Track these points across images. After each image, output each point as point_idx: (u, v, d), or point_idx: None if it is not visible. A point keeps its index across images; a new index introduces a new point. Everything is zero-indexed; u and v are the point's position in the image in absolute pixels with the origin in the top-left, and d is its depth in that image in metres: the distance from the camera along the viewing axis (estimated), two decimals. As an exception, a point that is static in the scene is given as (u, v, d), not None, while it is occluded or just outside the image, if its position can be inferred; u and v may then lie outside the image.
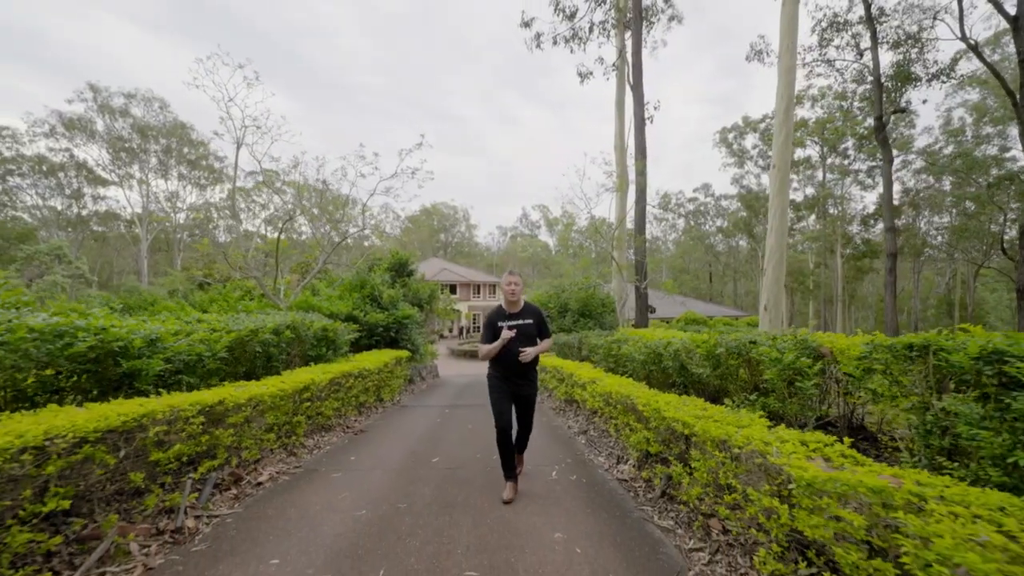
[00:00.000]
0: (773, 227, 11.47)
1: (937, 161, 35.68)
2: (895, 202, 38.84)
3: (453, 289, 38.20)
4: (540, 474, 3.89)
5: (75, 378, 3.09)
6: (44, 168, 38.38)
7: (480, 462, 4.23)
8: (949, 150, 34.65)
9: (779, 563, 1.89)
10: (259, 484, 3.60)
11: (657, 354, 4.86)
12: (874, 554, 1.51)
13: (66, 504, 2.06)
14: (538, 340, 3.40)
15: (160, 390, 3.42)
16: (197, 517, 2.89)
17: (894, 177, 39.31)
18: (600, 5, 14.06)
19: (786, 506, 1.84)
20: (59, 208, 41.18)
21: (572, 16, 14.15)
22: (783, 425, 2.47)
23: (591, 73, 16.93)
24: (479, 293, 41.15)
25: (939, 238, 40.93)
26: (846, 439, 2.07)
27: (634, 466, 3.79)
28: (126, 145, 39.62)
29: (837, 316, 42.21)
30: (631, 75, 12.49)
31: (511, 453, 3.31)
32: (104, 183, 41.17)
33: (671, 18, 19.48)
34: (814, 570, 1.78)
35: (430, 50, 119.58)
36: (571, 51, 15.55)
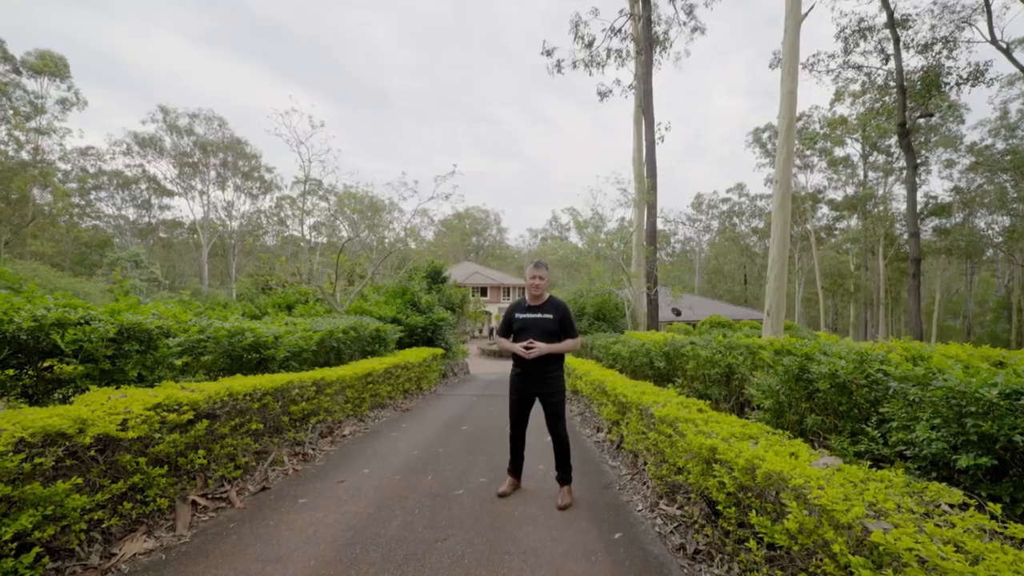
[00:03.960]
0: (775, 238, 12.42)
1: (987, 159, 34.24)
2: (948, 199, 37.66)
3: (484, 292, 40.07)
4: (538, 439, 5.33)
5: (229, 360, 4.82)
6: (120, 181, 43.06)
7: (497, 431, 5.71)
8: (1000, 146, 33.34)
9: (655, 468, 3.30)
10: (344, 436, 5.26)
11: (635, 351, 6.22)
12: (674, 449, 2.91)
13: (260, 427, 3.73)
14: (561, 339, 3.20)
15: (281, 370, 5.13)
16: (313, 450, 4.55)
17: (940, 176, 37.88)
18: (616, 34, 15.37)
19: (656, 433, 3.24)
20: (131, 217, 46.08)
21: (590, 45, 15.53)
22: (708, 402, 3.79)
23: (610, 91, 18.17)
24: (508, 295, 42.82)
25: (996, 239, 39.15)
26: (706, 401, 3.44)
27: (606, 432, 5.20)
28: (189, 160, 43.76)
29: (880, 320, 41.04)
30: (643, 100, 13.72)
31: (519, 450, 3.51)
32: (170, 194, 45.71)
33: (694, 30, 20.41)
34: (675, 470, 3.17)
35: (464, 51, 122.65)
36: (590, 74, 16.90)
